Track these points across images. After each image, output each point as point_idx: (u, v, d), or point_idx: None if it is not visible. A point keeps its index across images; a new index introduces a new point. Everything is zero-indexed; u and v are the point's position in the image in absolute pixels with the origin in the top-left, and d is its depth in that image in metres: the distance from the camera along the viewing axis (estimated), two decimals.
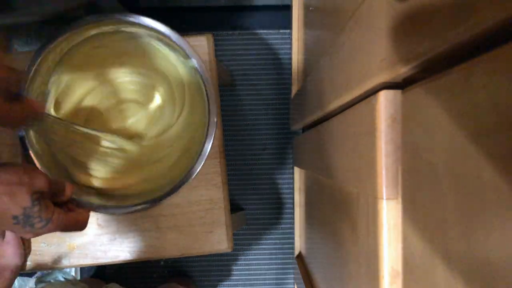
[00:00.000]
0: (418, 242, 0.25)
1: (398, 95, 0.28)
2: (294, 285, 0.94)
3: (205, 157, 0.49)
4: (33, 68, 0.49)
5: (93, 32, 0.51)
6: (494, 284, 0.17)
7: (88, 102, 0.57)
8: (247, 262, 1.00)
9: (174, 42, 0.50)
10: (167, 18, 0.96)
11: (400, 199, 0.28)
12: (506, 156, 0.16)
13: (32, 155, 0.49)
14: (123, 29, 0.52)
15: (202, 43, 0.59)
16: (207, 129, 0.50)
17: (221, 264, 1.00)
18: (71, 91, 0.56)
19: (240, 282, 1.00)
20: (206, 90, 0.49)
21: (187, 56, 0.50)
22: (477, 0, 0.17)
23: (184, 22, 0.98)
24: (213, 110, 0.49)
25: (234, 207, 0.99)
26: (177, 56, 0.54)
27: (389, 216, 0.29)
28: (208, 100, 0.49)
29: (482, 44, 0.19)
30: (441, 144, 0.22)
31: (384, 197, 0.28)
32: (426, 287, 0.24)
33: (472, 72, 0.19)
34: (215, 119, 0.49)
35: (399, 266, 0.28)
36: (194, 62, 0.50)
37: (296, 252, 0.86)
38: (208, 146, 0.49)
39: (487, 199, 0.17)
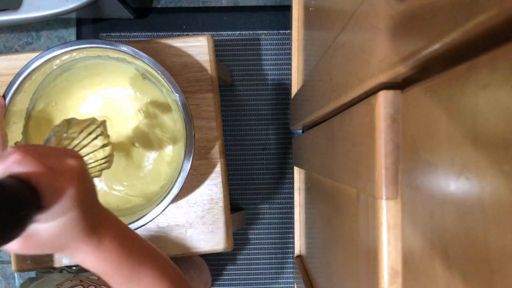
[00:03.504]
0: (417, 241, 0.25)
1: (398, 95, 0.28)
2: (294, 285, 0.94)
3: (185, 176, 0.51)
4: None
5: (78, 56, 0.52)
6: (493, 283, 0.17)
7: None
8: (247, 262, 1.00)
9: (162, 78, 0.50)
10: (167, 19, 0.97)
11: (399, 199, 0.28)
12: (505, 155, 0.16)
13: None
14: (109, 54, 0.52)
15: (202, 43, 0.59)
16: (181, 170, 0.51)
17: (221, 264, 1.00)
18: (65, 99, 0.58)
19: (240, 282, 1.00)
20: (186, 128, 0.50)
21: (171, 90, 0.50)
22: (476, 0, 0.17)
23: (184, 23, 0.98)
24: (191, 145, 0.50)
25: (234, 207, 0.99)
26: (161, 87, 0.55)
27: (389, 215, 0.29)
28: (186, 136, 0.50)
29: (481, 44, 0.19)
30: (441, 144, 0.22)
31: (384, 197, 0.28)
32: (425, 286, 0.24)
33: (472, 73, 0.19)
34: (192, 153, 0.50)
35: (398, 266, 0.28)
36: (176, 96, 0.50)
37: (296, 252, 0.86)
38: (187, 167, 0.51)
39: (486, 199, 0.18)
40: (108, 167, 0.51)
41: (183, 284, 0.39)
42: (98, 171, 0.49)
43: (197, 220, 0.60)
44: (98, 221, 0.33)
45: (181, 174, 0.50)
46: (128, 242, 0.35)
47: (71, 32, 1.00)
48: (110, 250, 0.33)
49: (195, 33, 0.98)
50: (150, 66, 0.50)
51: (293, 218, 0.89)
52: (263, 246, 1.00)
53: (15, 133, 0.51)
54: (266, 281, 1.00)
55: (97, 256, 0.32)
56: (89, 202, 0.31)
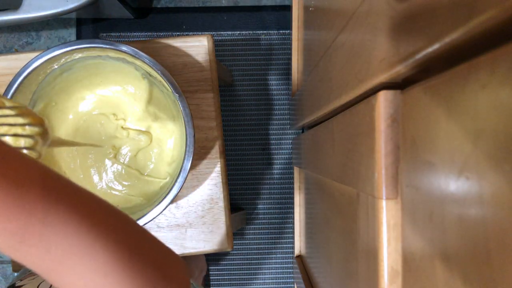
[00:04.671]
0: (417, 242, 0.25)
1: (398, 95, 0.28)
2: (294, 285, 0.94)
3: (185, 176, 0.50)
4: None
5: (78, 56, 0.52)
6: (494, 283, 0.17)
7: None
8: (247, 262, 1.00)
9: (162, 78, 0.50)
10: (167, 19, 0.97)
11: (399, 199, 0.28)
12: (505, 155, 0.16)
13: None
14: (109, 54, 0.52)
15: (202, 43, 0.59)
16: (182, 168, 0.50)
17: (220, 264, 1.00)
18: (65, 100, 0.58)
19: (240, 282, 1.00)
20: (186, 128, 0.50)
21: (171, 89, 0.50)
22: (477, 0, 0.17)
23: (184, 23, 0.98)
24: (191, 145, 0.50)
25: (234, 207, 0.99)
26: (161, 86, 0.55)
27: (389, 216, 0.29)
28: (186, 136, 0.50)
29: (481, 44, 0.19)
30: (441, 144, 0.22)
31: (384, 197, 0.28)
32: (425, 286, 0.24)
33: (472, 73, 0.19)
34: (192, 153, 0.50)
35: (398, 266, 0.28)
36: (176, 96, 0.50)
37: (296, 252, 0.86)
38: (187, 167, 0.50)
39: (486, 199, 0.18)
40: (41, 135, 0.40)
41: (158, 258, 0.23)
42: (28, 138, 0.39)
43: (197, 220, 0.60)
44: None
45: (181, 174, 0.50)
46: (22, 169, 0.18)
47: (71, 32, 1.00)
48: None
49: (195, 33, 0.98)
50: (150, 66, 0.50)
51: (293, 218, 0.89)
52: (263, 246, 1.00)
53: None
54: (266, 281, 1.00)
55: None
56: None
